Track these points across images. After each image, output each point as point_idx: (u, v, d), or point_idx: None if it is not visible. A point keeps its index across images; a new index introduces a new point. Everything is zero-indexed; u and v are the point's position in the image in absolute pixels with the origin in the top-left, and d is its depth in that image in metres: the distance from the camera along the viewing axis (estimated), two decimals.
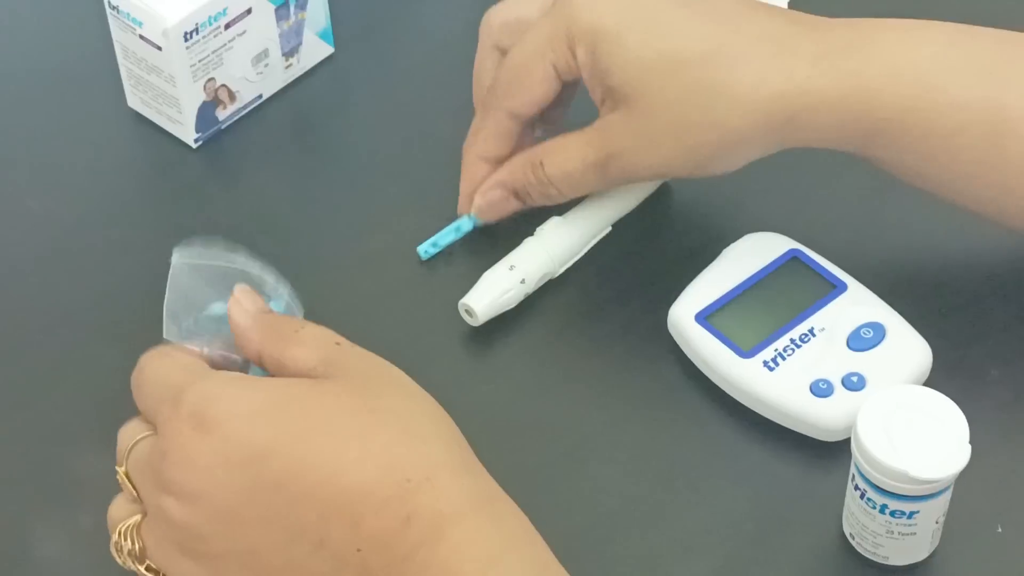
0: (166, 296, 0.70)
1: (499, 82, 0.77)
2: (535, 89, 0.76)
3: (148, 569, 0.64)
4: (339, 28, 0.91)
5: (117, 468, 0.65)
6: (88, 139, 0.88)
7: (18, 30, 0.94)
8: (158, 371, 0.65)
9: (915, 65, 0.70)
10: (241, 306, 0.67)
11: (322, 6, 0.89)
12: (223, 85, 0.86)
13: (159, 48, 0.82)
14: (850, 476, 0.67)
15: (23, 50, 0.92)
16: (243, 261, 0.71)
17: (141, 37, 0.82)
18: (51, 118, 0.89)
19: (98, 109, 0.89)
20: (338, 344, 0.64)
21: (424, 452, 0.60)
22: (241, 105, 0.88)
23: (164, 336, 0.69)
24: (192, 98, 0.84)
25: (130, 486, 0.64)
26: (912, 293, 0.78)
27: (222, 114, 0.87)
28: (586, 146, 0.75)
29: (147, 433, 0.65)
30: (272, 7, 0.85)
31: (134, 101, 0.87)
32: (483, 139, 0.78)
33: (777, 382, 0.73)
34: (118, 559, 0.65)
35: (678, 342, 0.76)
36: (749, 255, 0.78)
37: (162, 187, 0.87)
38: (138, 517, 0.64)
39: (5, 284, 0.81)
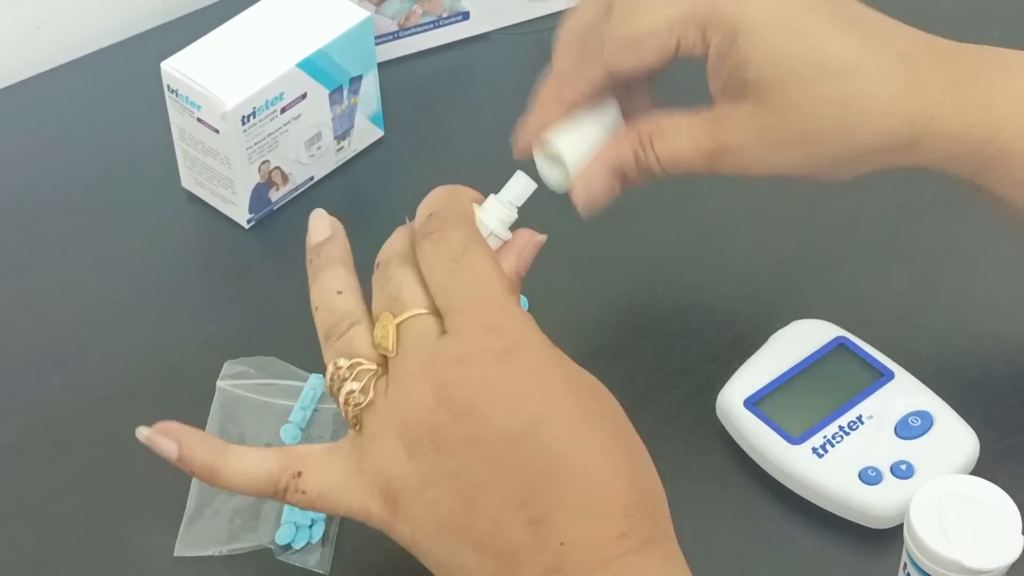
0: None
1: (612, 38, 0.72)
2: (650, 58, 0.72)
3: (346, 413, 0.65)
4: (389, 112, 0.92)
5: (387, 313, 0.65)
6: (142, 219, 0.89)
7: (75, 112, 0.96)
8: (481, 268, 0.65)
9: None
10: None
11: (374, 91, 0.90)
12: (277, 167, 0.87)
13: (217, 131, 0.84)
14: (901, 565, 0.68)
15: (81, 132, 0.94)
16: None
17: (199, 120, 0.84)
18: (107, 198, 0.90)
19: (153, 189, 0.90)
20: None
21: (654, 484, 0.63)
22: (293, 186, 0.89)
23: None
24: (247, 180, 0.86)
25: (394, 340, 0.65)
26: (957, 381, 0.78)
27: (275, 195, 0.88)
28: (700, 132, 0.72)
29: (430, 312, 0.65)
30: (326, 92, 0.87)
31: (188, 182, 0.89)
32: (573, 83, 0.73)
33: (826, 469, 0.74)
34: (329, 378, 0.66)
35: (726, 427, 0.77)
36: (796, 342, 0.79)
37: (215, 267, 0.88)
38: (377, 370, 0.65)
39: (61, 362, 0.82)
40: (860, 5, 0.72)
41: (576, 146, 0.73)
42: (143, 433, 0.69)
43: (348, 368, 0.65)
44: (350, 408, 0.65)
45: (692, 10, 0.71)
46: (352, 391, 0.65)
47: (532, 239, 0.69)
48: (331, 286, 0.68)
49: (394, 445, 0.63)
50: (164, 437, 0.68)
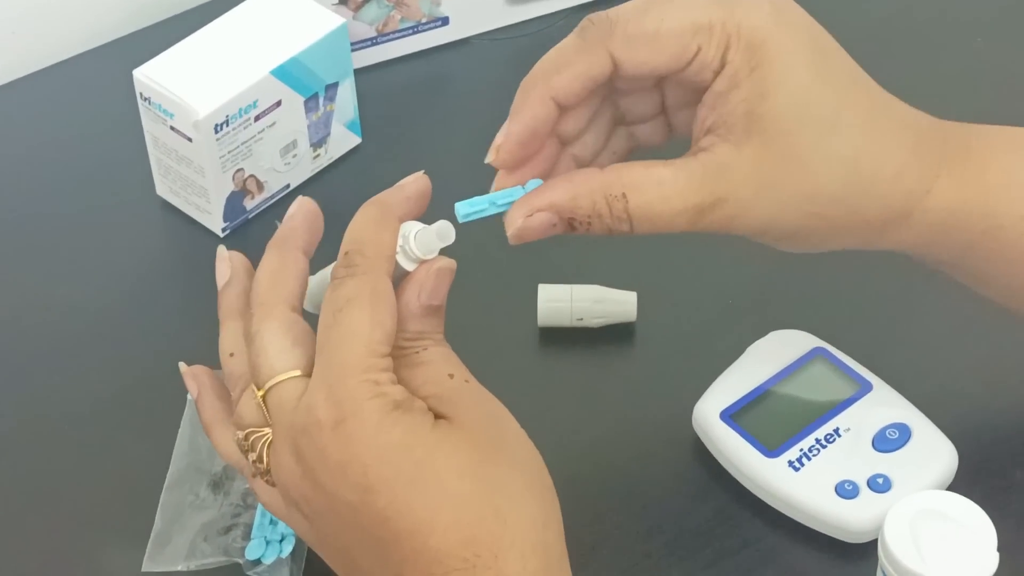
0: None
1: (628, 29, 0.64)
2: (662, 59, 0.64)
3: (267, 481, 0.65)
4: (366, 119, 0.92)
5: (251, 388, 0.65)
6: (117, 227, 0.89)
7: (49, 118, 0.95)
8: (350, 325, 0.62)
9: None
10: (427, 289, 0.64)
11: (350, 98, 0.89)
12: (251, 175, 0.86)
13: (189, 139, 0.83)
14: None
15: (54, 139, 0.94)
16: None
17: (172, 128, 0.83)
18: (81, 206, 0.90)
19: (127, 197, 0.90)
20: (451, 376, 0.64)
21: (504, 532, 0.61)
22: (269, 195, 0.88)
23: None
24: (221, 188, 0.85)
25: (265, 411, 0.64)
26: (936, 394, 0.78)
27: (250, 203, 0.88)
28: (690, 184, 0.64)
29: (299, 374, 0.64)
30: (301, 99, 0.86)
31: (163, 190, 0.88)
32: (568, 78, 0.64)
33: (802, 482, 0.73)
34: (241, 456, 0.66)
35: (703, 439, 0.76)
36: (774, 352, 0.78)
37: (190, 275, 0.87)
38: (269, 434, 0.64)
39: (32, 372, 0.82)
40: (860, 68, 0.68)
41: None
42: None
43: (244, 438, 0.65)
44: (261, 477, 0.65)
45: (722, 19, 0.64)
46: (253, 460, 0.65)
47: (432, 267, 0.65)
48: (225, 346, 0.67)
49: (289, 506, 0.65)
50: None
